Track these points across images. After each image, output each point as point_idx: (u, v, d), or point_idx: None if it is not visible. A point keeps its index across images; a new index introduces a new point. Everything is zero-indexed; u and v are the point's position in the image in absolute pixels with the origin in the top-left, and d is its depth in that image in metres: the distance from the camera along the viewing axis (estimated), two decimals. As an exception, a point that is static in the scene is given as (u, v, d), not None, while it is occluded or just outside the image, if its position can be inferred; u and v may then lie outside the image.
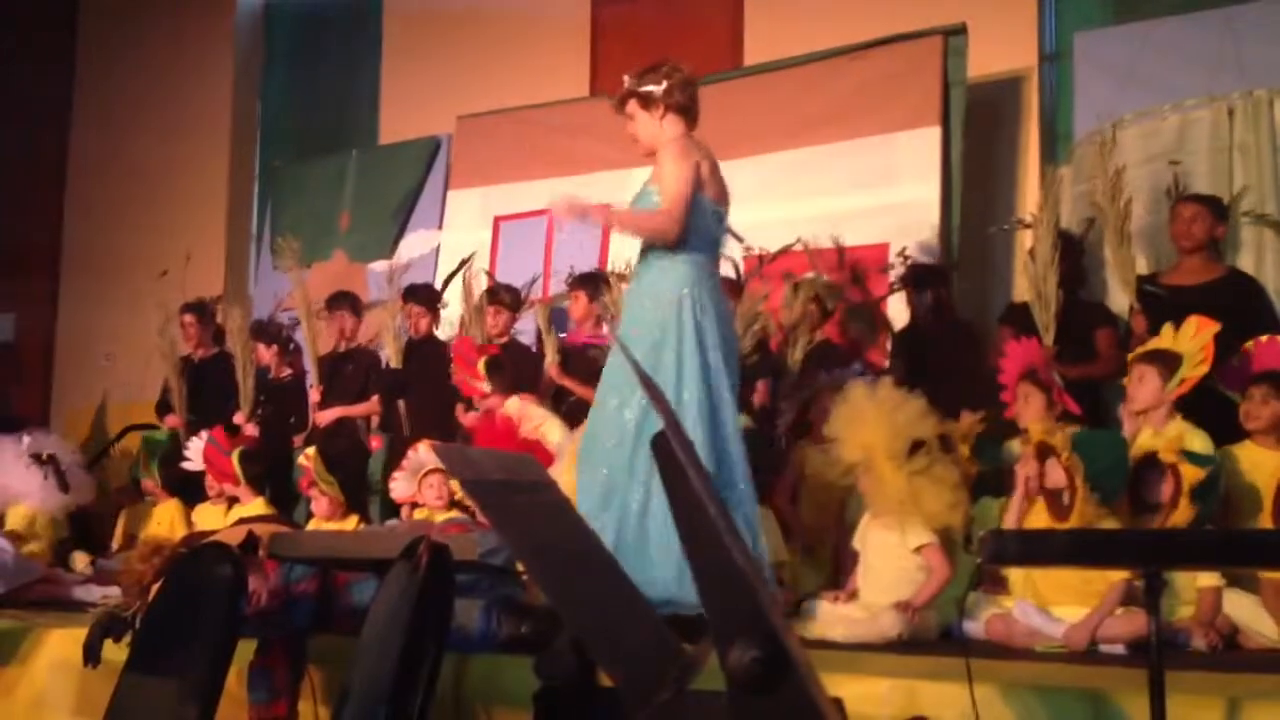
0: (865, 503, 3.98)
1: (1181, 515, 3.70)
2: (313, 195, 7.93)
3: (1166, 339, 4.12)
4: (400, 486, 5.30)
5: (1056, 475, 3.65)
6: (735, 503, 3.52)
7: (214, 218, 8.37)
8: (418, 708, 1.99)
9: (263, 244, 8.23)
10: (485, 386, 5.31)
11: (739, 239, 3.89)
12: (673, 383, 3.55)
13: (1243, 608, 3.63)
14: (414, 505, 5.27)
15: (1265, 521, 3.72)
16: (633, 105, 3.77)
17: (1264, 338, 4.16)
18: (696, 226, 3.65)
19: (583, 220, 3.71)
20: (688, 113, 3.76)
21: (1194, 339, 4.02)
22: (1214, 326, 4.03)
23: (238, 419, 6.40)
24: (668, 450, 1.15)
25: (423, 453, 5.27)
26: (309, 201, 7.92)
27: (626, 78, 3.81)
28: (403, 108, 8.01)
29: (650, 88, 3.73)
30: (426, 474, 5.17)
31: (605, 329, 5.43)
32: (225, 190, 8.42)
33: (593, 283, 5.67)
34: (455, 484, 5.14)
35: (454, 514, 4.97)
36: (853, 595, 3.86)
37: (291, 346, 6.59)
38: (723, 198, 3.76)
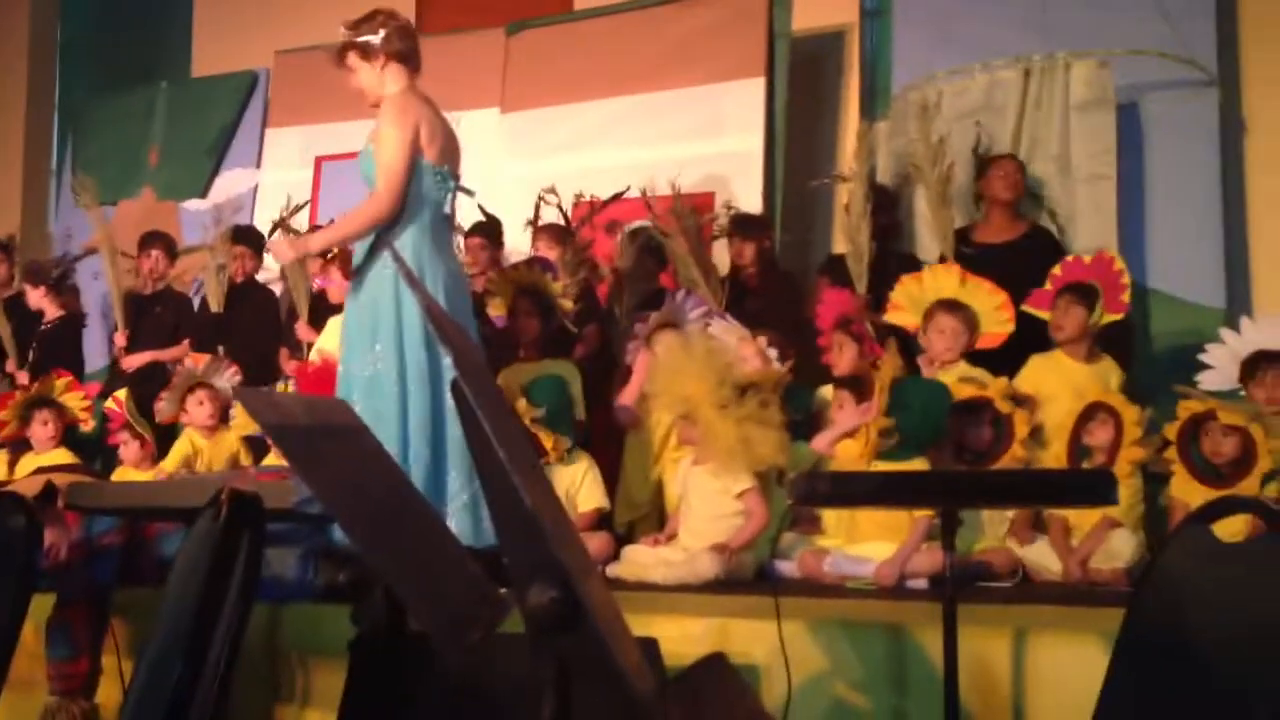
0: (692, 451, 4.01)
1: (1014, 460, 3.90)
2: (119, 129, 7.47)
3: (950, 288, 4.26)
4: (165, 407, 4.92)
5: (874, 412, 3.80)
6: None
7: (9, 151, 7.83)
8: (220, 660, 1.95)
9: (63, 179, 7.76)
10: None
11: (469, 193, 3.91)
12: (394, 347, 3.55)
13: (1033, 548, 3.85)
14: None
15: (1061, 448, 3.93)
16: (353, 58, 3.73)
17: (1068, 258, 4.40)
18: (415, 191, 3.62)
19: (307, 254, 3.73)
20: (409, 60, 3.74)
21: (988, 298, 4.22)
22: (1003, 295, 4.22)
23: (9, 367, 6.03)
24: (462, 396, 1.15)
25: (188, 364, 4.94)
26: (115, 135, 7.46)
27: (342, 28, 3.74)
28: (217, 39, 7.63)
29: (368, 37, 3.68)
30: (192, 389, 4.79)
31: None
32: (21, 121, 7.87)
33: None
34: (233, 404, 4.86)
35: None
36: (672, 538, 3.93)
37: (68, 286, 6.21)
38: (446, 156, 3.72)
